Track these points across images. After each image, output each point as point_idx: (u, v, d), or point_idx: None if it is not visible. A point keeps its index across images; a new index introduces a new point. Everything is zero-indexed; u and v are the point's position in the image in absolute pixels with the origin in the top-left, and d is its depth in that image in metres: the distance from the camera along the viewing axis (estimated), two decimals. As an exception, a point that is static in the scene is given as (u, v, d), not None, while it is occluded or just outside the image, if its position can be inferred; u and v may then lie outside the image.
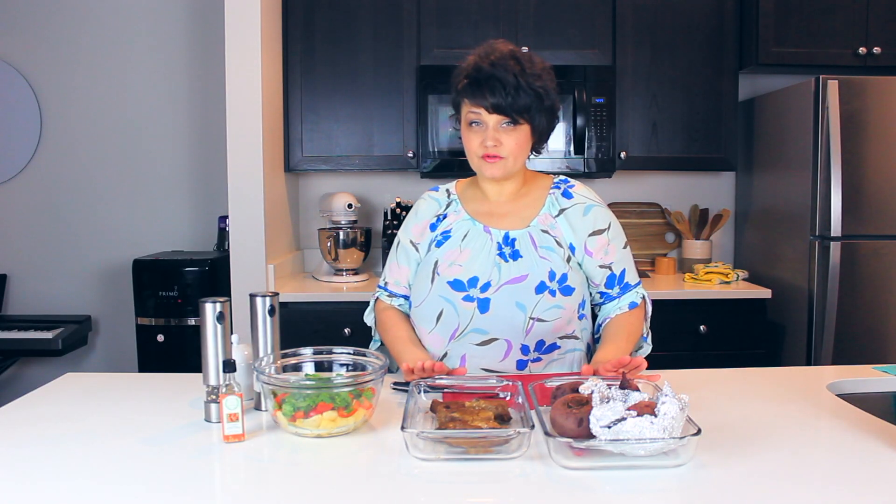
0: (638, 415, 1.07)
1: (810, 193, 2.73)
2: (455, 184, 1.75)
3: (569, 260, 1.60)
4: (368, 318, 1.78)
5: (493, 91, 1.51)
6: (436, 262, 1.62)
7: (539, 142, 1.61)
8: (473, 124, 1.56)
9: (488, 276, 1.57)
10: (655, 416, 1.07)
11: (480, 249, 1.60)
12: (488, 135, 1.54)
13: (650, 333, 1.69)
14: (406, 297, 1.71)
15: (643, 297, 1.66)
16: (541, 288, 1.55)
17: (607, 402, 1.12)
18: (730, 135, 3.09)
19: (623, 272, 1.64)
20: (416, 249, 1.69)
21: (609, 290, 1.64)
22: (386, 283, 1.74)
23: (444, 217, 1.68)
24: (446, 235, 1.65)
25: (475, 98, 1.54)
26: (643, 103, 3.06)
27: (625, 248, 1.66)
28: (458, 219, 1.66)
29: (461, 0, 3.00)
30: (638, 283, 1.67)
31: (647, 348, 1.68)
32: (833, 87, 2.65)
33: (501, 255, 1.59)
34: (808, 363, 2.76)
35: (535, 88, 1.53)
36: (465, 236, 1.63)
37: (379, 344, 1.75)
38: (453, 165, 2.93)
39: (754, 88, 3.33)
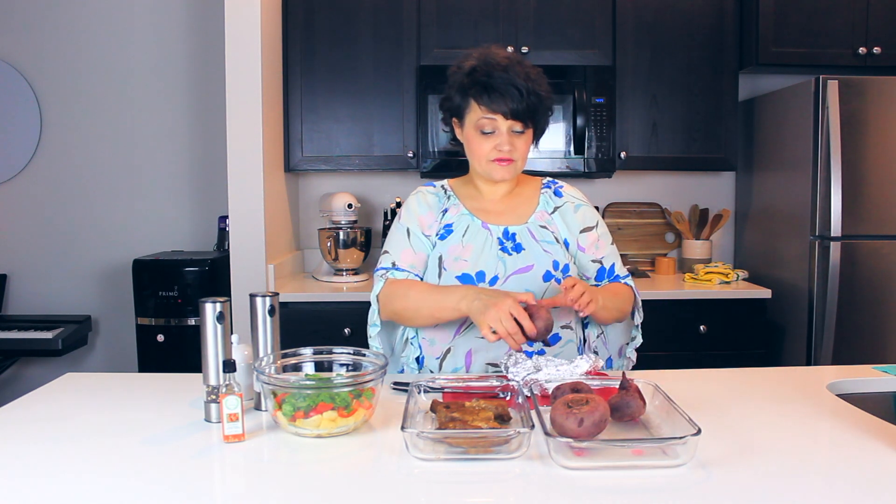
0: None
1: (810, 193, 2.73)
2: (447, 182, 1.78)
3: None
4: (374, 299, 1.65)
5: (512, 98, 1.55)
6: (440, 257, 1.65)
7: (535, 144, 1.69)
8: (485, 131, 1.59)
9: (494, 271, 1.61)
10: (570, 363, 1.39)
11: (482, 245, 1.64)
12: (504, 140, 1.58)
13: (640, 330, 1.74)
14: (422, 278, 1.67)
15: (631, 287, 1.72)
16: (547, 276, 1.62)
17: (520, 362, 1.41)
18: (730, 135, 3.09)
19: (613, 266, 1.73)
20: (429, 240, 1.69)
21: (599, 282, 1.72)
22: (394, 264, 1.66)
23: (446, 211, 1.71)
24: (448, 229, 1.68)
25: (493, 103, 1.56)
26: (643, 103, 3.06)
27: (612, 244, 1.75)
28: (458, 212, 1.69)
29: (461, 0, 3.00)
30: (627, 276, 1.74)
31: (639, 339, 1.75)
32: (833, 87, 2.65)
33: (504, 249, 1.63)
34: (808, 363, 2.76)
35: (539, 93, 1.59)
36: (465, 231, 1.66)
37: (378, 329, 1.67)
38: (453, 165, 2.93)
39: (754, 88, 3.33)
